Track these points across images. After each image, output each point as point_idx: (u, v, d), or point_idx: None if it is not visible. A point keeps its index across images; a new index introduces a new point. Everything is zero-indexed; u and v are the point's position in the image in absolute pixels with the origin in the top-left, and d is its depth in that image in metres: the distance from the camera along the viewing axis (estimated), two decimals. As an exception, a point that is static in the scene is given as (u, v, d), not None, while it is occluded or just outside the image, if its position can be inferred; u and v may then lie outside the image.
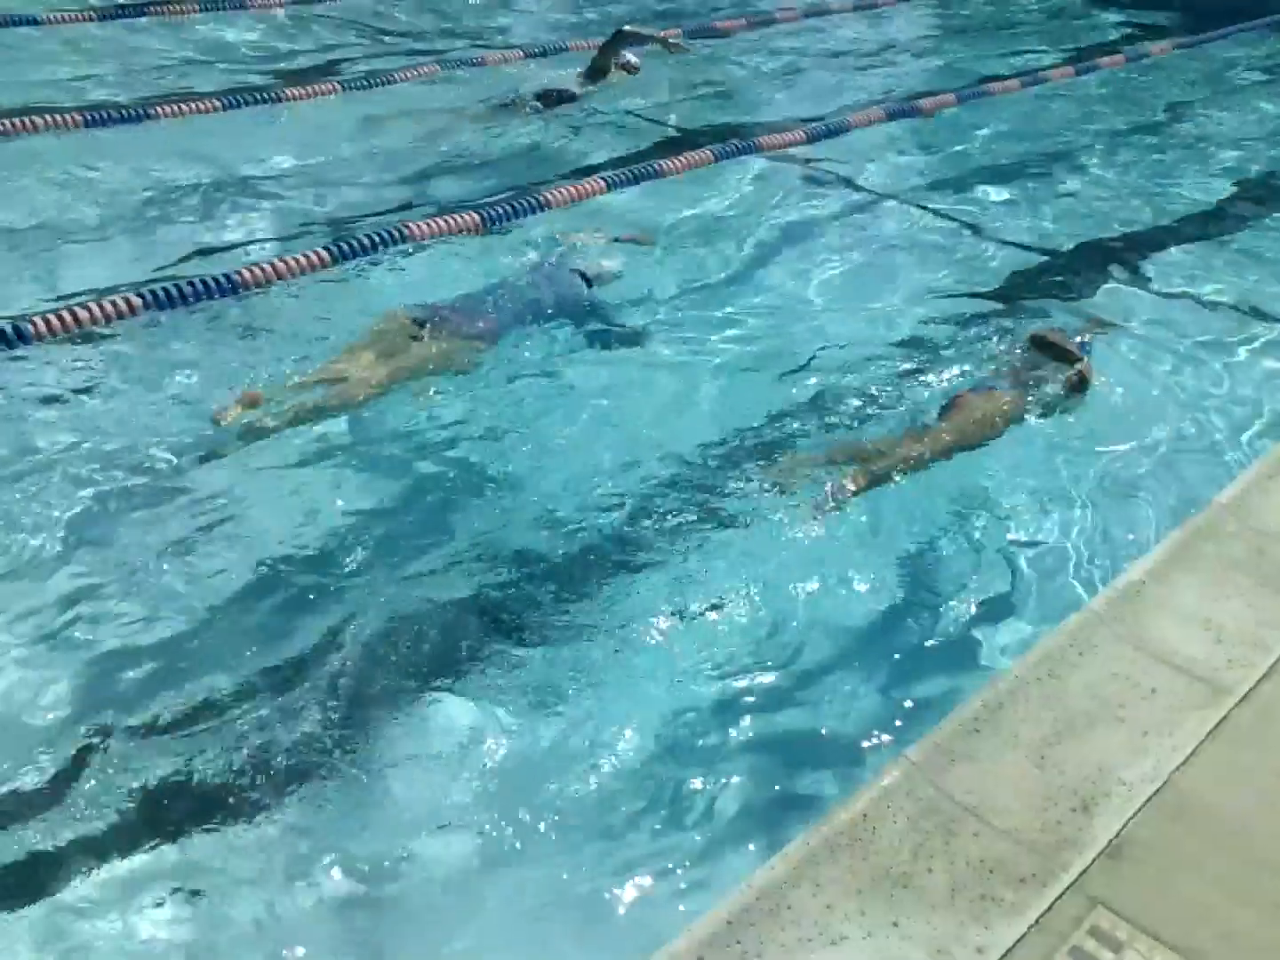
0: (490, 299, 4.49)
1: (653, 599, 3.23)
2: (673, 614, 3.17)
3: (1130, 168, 7.08)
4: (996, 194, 6.53)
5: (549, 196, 5.75)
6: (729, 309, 4.91)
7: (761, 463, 3.76)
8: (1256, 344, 4.79)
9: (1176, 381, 4.45)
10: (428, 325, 4.23)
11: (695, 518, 3.54)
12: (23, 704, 2.85)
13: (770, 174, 6.46)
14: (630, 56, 7.90)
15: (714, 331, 4.71)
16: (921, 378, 4.36)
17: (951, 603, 3.28)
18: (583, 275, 4.75)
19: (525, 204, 5.64)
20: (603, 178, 6.04)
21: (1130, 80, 8.91)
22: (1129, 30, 10.66)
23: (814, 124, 7.08)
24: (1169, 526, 3.27)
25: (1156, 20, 10.95)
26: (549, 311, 4.57)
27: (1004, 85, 8.23)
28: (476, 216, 5.47)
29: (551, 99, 7.32)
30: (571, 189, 5.88)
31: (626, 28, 8.00)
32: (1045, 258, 5.68)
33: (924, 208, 6.17)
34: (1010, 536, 3.54)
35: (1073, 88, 8.57)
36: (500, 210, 5.56)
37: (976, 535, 3.55)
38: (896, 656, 3.09)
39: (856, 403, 4.19)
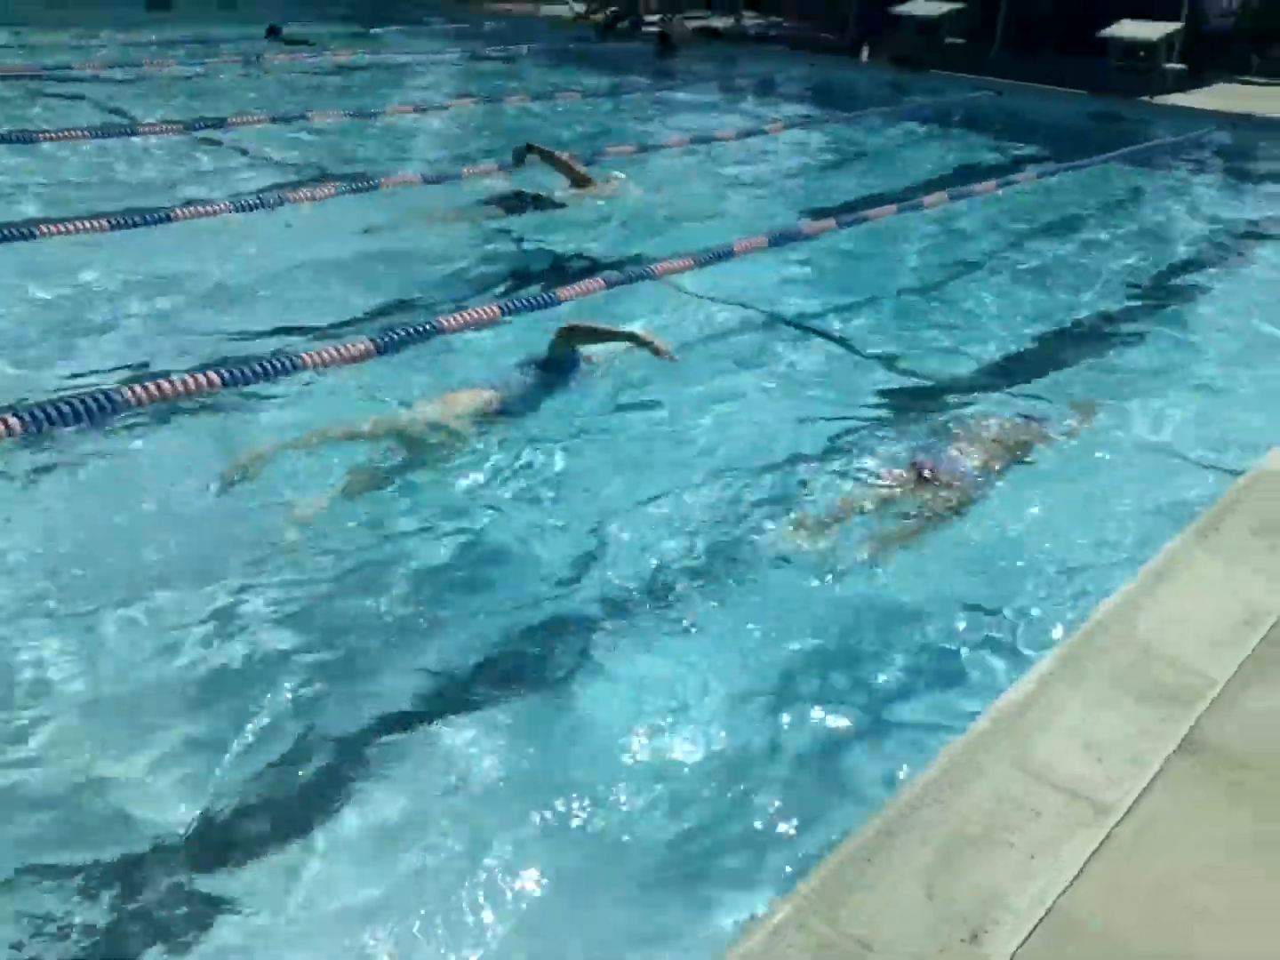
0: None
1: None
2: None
3: (1004, 287, 7.42)
4: (875, 314, 6.77)
5: (444, 323, 5.79)
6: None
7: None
8: (1134, 458, 4.98)
9: (1054, 495, 4.58)
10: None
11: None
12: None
13: (660, 298, 6.61)
14: (618, 173, 8.84)
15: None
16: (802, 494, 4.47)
17: (843, 715, 3.31)
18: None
19: (417, 331, 5.66)
20: (499, 304, 6.11)
21: (1000, 205, 9.37)
22: (999, 160, 11.29)
23: (702, 250, 7.28)
24: (1052, 642, 3.34)
25: (1025, 150, 11.64)
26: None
27: (882, 211, 8.58)
28: (370, 344, 5.50)
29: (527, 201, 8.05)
30: (471, 314, 5.93)
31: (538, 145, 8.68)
32: (919, 380, 5.85)
33: (807, 329, 6.34)
34: (898, 652, 3.59)
35: (947, 213, 8.99)
36: (394, 336, 5.58)
37: (871, 649, 3.60)
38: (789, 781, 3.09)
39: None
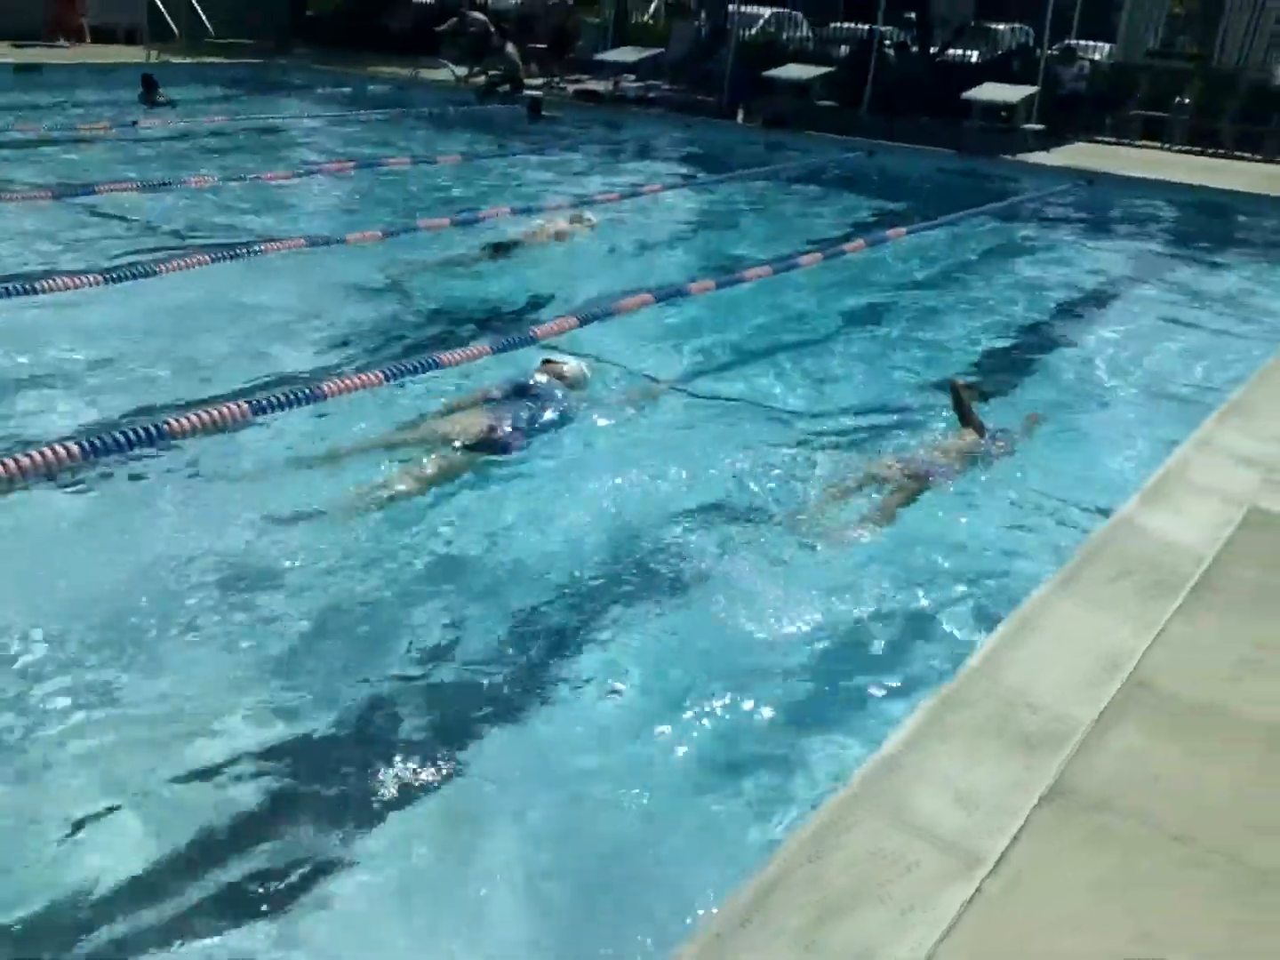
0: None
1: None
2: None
3: (879, 342, 7.63)
4: (758, 370, 6.88)
5: (325, 388, 5.72)
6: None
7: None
8: (996, 505, 5.13)
9: (912, 547, 4.69)
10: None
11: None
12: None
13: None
14: (590, 215, 9.55)
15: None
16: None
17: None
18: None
19: (297, 395, 5.60)
20: (383, 370, 6.06)
21: (873, 261, 9.66)
22: (872, 217, 11.65)
23: (584, 310, 7.34)
24: (923, 694, 3.40)
25: (897, 207, 12.04)
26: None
27: (758, 271, 8.77)
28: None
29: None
30: (354, 379, 5.87)
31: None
32: (807, 433, 5.97)
33: (685, 390, 6.43)
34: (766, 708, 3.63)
35: (822, 271, 9.23)
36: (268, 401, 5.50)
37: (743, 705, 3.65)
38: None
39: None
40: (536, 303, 7.85)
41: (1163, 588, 3.87)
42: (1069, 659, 3.44)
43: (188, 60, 18.95)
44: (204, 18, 21.12)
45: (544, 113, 17.20)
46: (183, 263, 7.71)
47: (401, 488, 4.73)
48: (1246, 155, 16.49)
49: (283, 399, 5.52)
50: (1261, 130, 16.58)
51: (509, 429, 5.21)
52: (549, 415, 5.46)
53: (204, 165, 11.40)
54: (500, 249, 8.73)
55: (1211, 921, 2.54)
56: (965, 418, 5.51)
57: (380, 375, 6.00)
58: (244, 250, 8.12)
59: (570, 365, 5.85)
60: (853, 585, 4.31)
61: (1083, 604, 3.76)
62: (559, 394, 5.60)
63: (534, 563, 4.33)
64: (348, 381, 5.84)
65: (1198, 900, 2.59)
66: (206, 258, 7.90)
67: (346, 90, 18.40)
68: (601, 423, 5.67)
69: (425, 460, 4.93)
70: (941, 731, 3.09)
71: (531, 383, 5.55)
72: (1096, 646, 3.51)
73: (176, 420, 5.13)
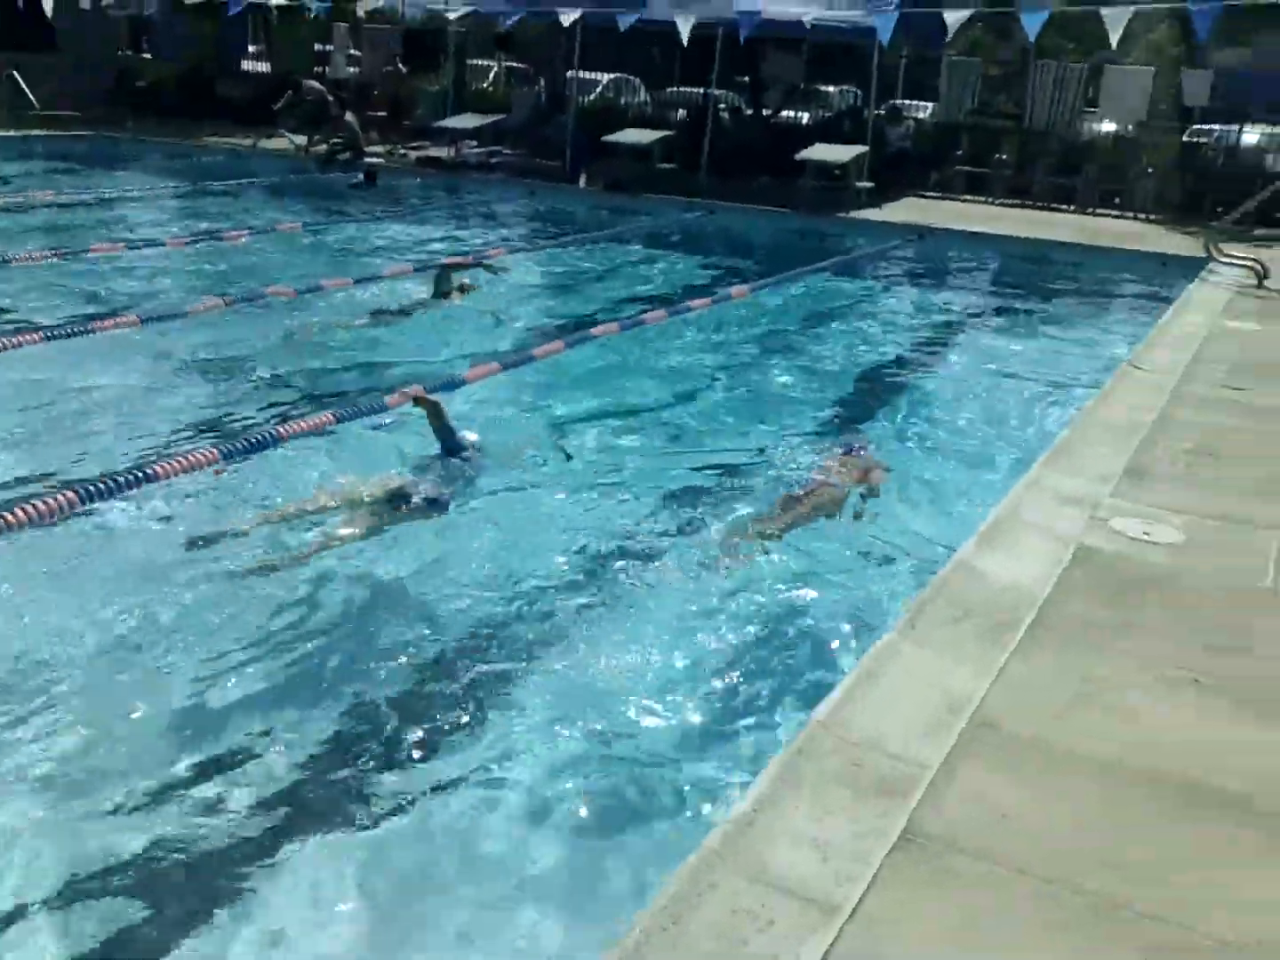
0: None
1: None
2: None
3: (722, 397, 7.80)
4: (614, 430, 6.96)
5: (162, 469, 5.55)
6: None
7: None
8: (839, 553, 5.27)
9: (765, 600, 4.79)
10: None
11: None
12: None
13: (399, 429, 6.58)
14: (465, 279, 10.02)
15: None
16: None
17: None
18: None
19: (122, 480, 5.42)
20: (216, 448, 5.92)
21: (716, 318, 9.87)
22: (714, 275, 11.93)
23: (432, 379, 7.31)
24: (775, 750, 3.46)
25: (738, 265, 12.37)
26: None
27: (605, 328, 8.88)
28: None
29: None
30: (189, 458, 5.71)
31: (445, 260, 10.11)
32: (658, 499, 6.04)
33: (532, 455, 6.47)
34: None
35: (670, 326, 9.40)
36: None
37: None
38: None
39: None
40: (387, 369, 7.80)
41: (1001, 628, 4.02)
42: (915, 704, 3.54)
43: (11, 133, 18.38)
44: (25, 89, 20.51)
45: (377, 181, 17.20)
46: (7, 342, 7.42)
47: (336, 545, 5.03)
48: (1061, 207, 17.46)
49: (107, 486, 5.33)
50: (1073, 184, 17.58)
51: (443, 489, 5.58)
52: (469, 472, 5.86)
53: (30, 241, 11.03)
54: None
55: (1060, 955, 2.62)
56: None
57: (215, 452, 5.85)
58: (75, 329, 7.87)
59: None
60: (701, 641, 4.38)
61: (926, 648, 3.88)
62: (468, 448, 5.94)
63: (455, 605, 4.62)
64: (191, 459, 5.69)
65: (1046, 934, 2.67)
66: (36, 336, 7.63)
67: (180, 162, 18.09)
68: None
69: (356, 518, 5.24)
70: (795, 784, 3.14)
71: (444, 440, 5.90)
72: (940, 690, 3.62)
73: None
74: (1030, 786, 3.20)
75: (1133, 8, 13.67)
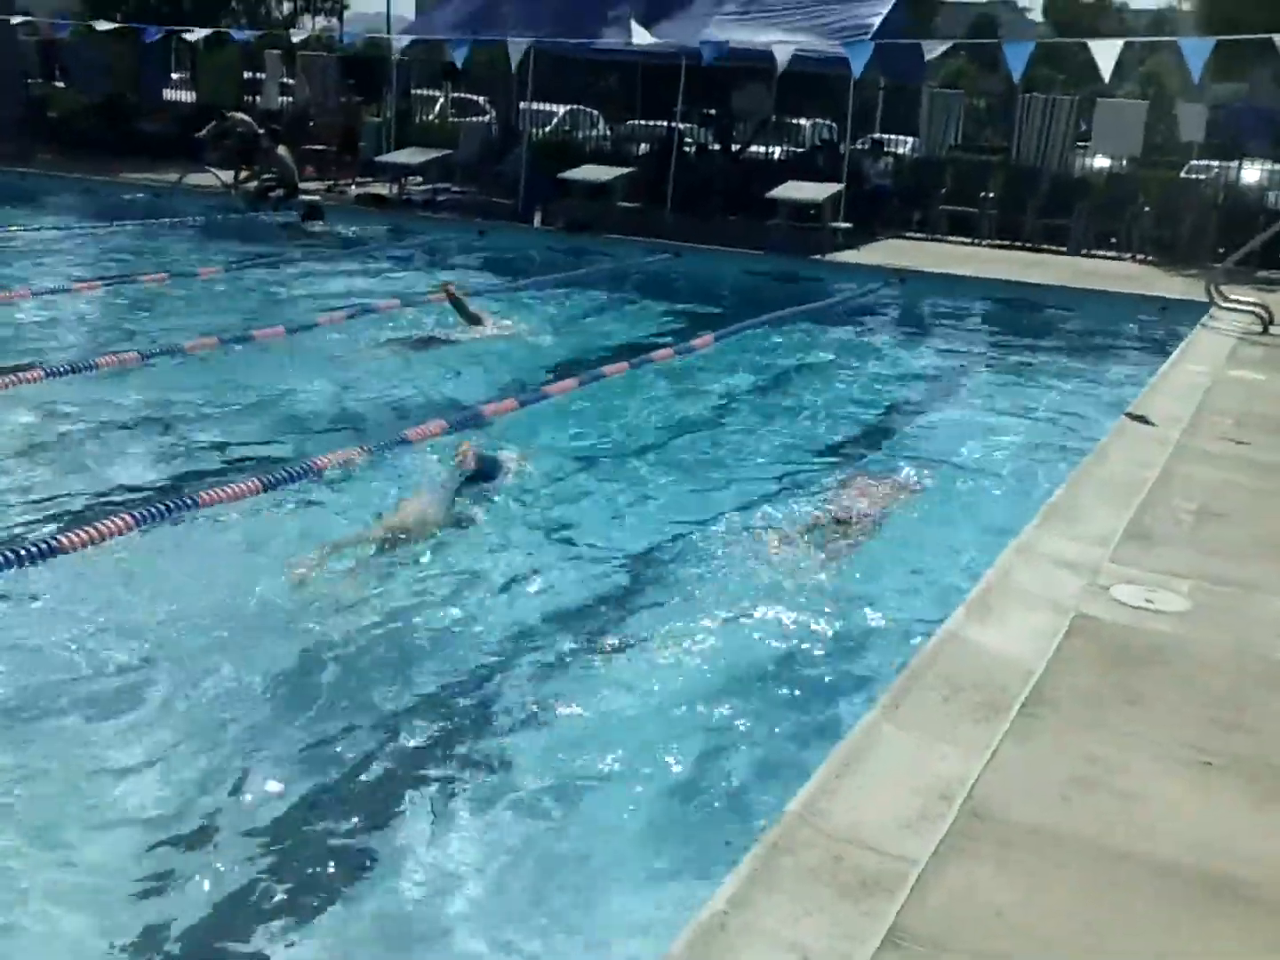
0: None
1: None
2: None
3: (687, 455, 7.85)
4: (563, 493, 7.00)
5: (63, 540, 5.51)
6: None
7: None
8: (825, 629, 5.29)
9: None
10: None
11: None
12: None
13: (322, 494, 6.57)
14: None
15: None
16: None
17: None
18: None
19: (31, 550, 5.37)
20: (130, 514, 5.86)
21: (679, 370, 9.95)
22: (678, 323, 12.04)
23: (372, 440, 7.32)
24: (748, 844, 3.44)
25: (705, 310, 12.49)
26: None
27: (561, 385, 8.93)
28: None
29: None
30: (94, 529, 5.65)
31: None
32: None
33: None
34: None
35: (630, 378, 9.47)
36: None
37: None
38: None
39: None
40: (334, 426, 7.81)
41: (993, 706, 4.03)
42: (900, 791, 3.53)
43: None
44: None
45: (320, 219, 17.28)
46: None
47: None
48: (1053, 248, 17.80)
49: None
50: (1065, 223, 17.94)
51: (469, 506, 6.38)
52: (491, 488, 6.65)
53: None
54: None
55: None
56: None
57: (131, 519, 5.81)
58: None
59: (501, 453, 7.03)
60: (680, 718, 4.38)
61: (912, 730, 3.88)
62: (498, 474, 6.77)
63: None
64: (99, 530, 5.65)
65: (1044, 1044, 2.66)
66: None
67: (95, 199, 18.11)
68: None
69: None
70: (770, 882, 3.12)
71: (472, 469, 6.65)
72: (928, 776, 3.62)
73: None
74: (1026, 880, 3.19)
75: (1122, 41, 14.04)
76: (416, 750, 4.30)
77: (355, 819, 3.90)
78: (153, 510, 5.90)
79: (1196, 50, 13.48)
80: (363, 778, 4.12)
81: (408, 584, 5.56)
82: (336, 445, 7.11)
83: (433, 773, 4.18)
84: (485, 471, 6.66)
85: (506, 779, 4.12)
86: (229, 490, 6.25)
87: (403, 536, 5.91)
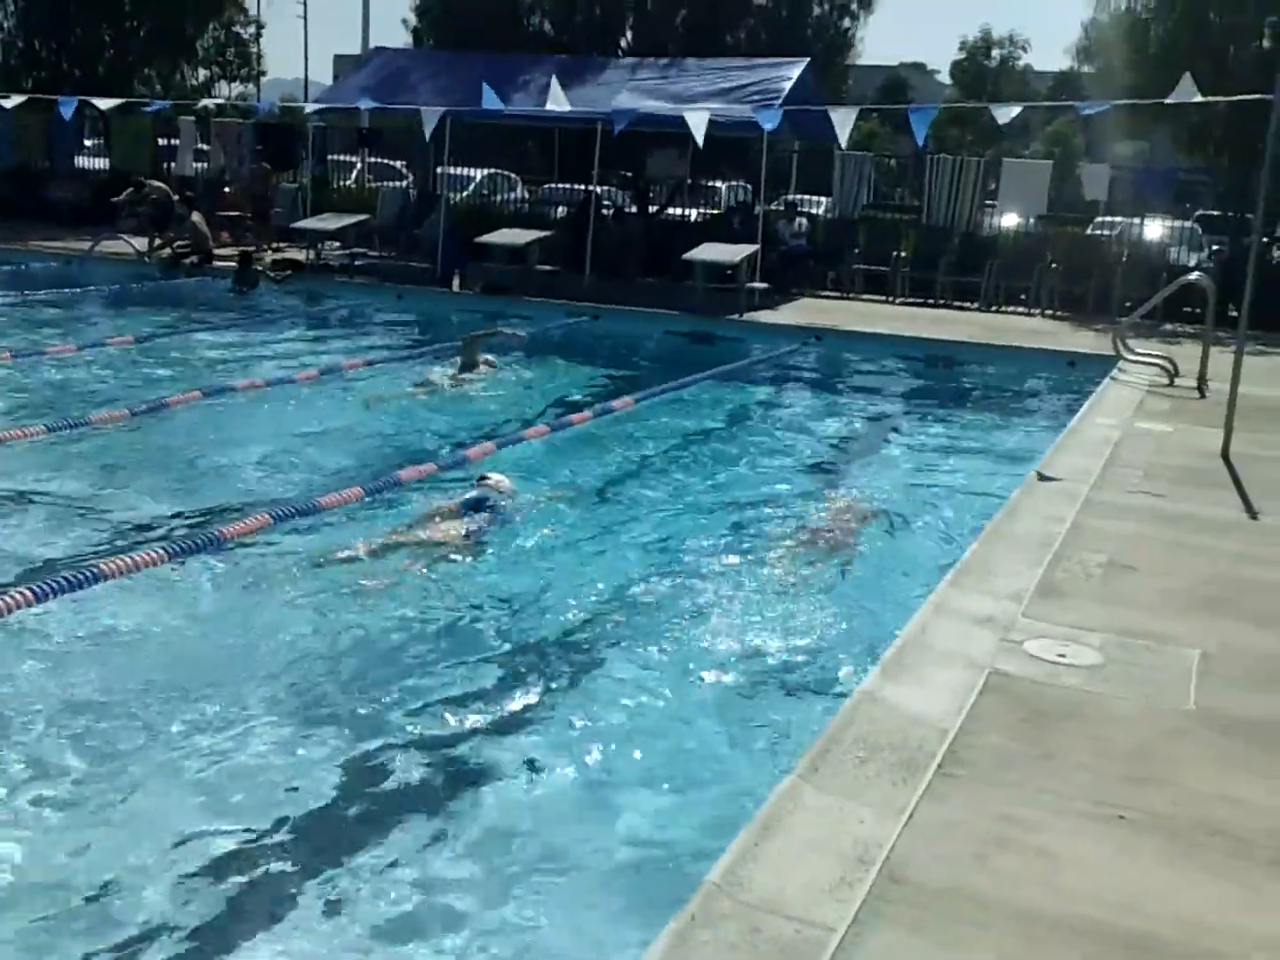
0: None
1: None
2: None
3: (608, 519, 7.83)
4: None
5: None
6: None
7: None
8: (729, 691, 5.28)
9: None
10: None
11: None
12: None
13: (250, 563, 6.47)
14: (489, 356, 11.97)
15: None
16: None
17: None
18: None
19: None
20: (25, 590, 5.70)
21: (597, 434, 9.97)
22: (598, 385, 12.08)
23: (281, 506, 7.22)
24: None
25: (624, 374, 12.55)
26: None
27: (480, 449, 8.90)
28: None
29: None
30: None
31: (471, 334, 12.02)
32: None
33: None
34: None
35: (548, 443, 9.47)
36: None
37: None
38: None
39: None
40: (217, 495, 7.70)
41: (909, 767, 4.03)
42: (818, 857, 3.51)
43: None
44: None
45: (248, 278, 17.21)
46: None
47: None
48: (965, 305, 18.17)
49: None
50: (975, 281, 18.34)
51: (476, 529, 7.04)
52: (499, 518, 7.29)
53: None
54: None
55: None
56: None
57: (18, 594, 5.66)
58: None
59: (503, 480, 7.57)
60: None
61: (830, 794, 3.87)
62: (504, 502, 7.39)
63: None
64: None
65: None
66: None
67: (2, 269, 17.80)
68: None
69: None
70: (687, 956, 3.08)
71: (479, 495, 7.35)
72: (846, 840, 3.60)
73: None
74: (944, 943, 3.19)
75: (1020, 105, 14.48)
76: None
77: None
78: (53, 584, 5.76)
79: (1094, 113, 13.90)
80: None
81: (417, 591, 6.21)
82: (246, 515, 7.00)
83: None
84: (477, 500, 7.28)
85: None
86: (133, 560, 6.13)
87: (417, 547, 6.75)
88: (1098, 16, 20.89)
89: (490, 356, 12.00)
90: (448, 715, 4.99)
